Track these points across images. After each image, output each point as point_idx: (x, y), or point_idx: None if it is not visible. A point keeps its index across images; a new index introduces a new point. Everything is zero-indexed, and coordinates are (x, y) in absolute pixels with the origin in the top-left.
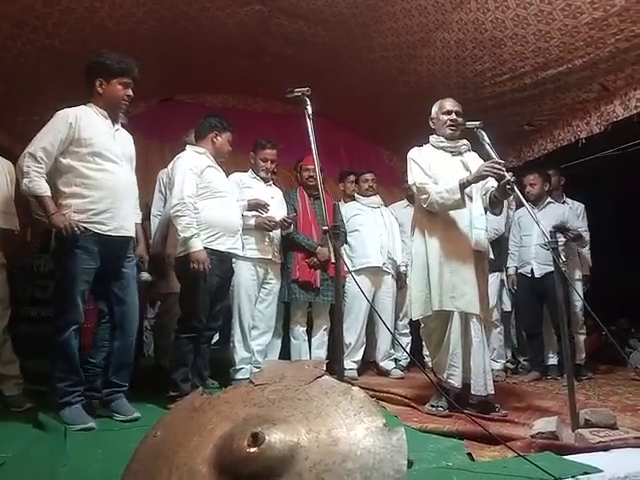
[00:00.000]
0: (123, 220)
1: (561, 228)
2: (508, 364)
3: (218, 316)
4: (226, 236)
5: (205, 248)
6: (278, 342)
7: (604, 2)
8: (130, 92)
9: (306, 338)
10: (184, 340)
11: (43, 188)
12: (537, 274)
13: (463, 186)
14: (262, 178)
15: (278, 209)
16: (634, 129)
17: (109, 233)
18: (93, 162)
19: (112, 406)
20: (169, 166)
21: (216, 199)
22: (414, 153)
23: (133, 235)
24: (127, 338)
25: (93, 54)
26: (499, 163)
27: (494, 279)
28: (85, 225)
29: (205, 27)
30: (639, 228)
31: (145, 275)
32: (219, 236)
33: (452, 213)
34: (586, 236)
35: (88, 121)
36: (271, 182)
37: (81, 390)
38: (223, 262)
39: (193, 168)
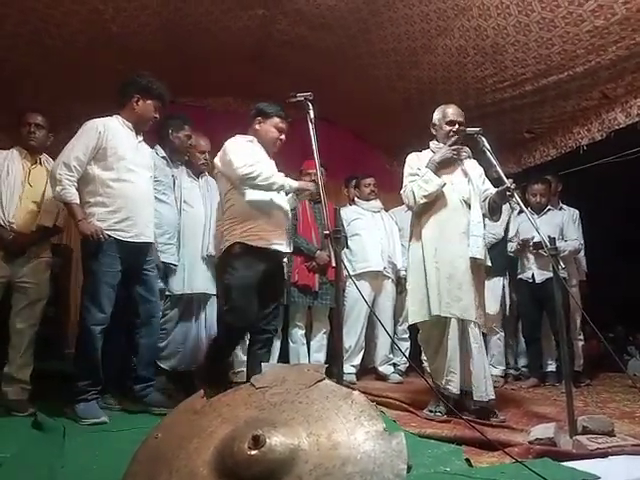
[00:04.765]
0: (143, 227)
1: (539, 245)
2: (512, 370)
3: (272, 317)
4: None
5: (247, 244)
6: (277, 344)
7: (605, 10)
8: (157, 115)
9: (304, 341)
10: (226, 343)
11: (73, 196)
12: (538, 280)
13: (436, 169)
14: None
15: None
16: (636, 136)
17: (130, 239)
18: (116, 171)
19: (147, 400)
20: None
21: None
22: (410, 159)
23: (152, 241)
24: (153, 335)
25: (132, 71)
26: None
27: (496, 283)
28: (108, 232)
29: (208, 31)
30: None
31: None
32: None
33: (448, 220)
34: (581, 242)
35: (114, 131)
36: None
37: (98, 389)
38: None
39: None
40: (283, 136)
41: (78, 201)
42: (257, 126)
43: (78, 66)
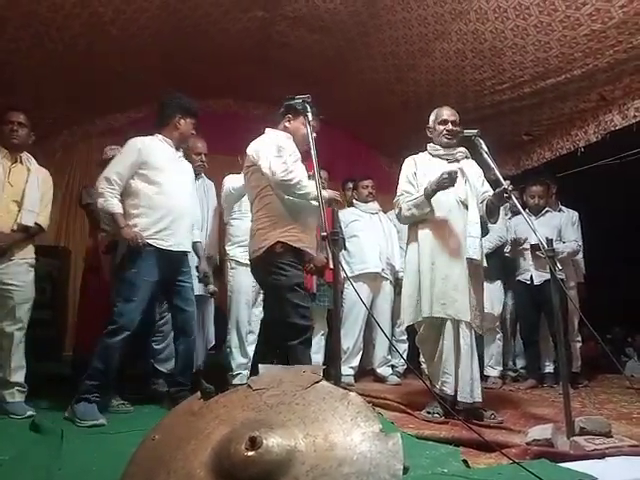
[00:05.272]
0: (181, 237)
1: (536, 247)
2: (510, 372)
3: None
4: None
5: (288, 244)
6: None
7: (602, 14)
8: (195, 132)
9: None
10: (300, 347)
11: (115, 206)
12: (536, 281)
13: (429, 197)
14: None
15: None
16: (633, 138)
17: (169, 248)
18: (157, 184)
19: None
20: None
21: None
22: (406, 164)
23: (190, 250)
24: (189, 342)
25: (169, 91)
26: (454, 172)
27: (496, 286)
28: (149, 241)
29: (208, 33)
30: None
31: (212, 287)
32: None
33: (445, 221)
34: (579, 244)
35: (154, 148)
36: None
37: (101, 392)
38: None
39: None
40: (314, 134)
41: (121, 210)
42: (287, 124)
43: (78, 69)
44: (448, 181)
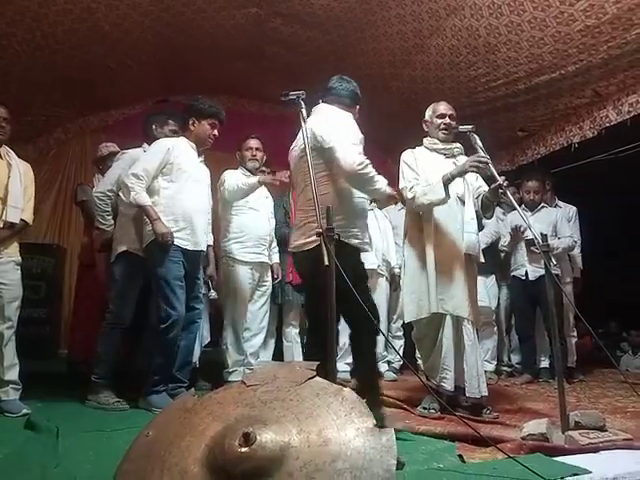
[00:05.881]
0: (198, 237)
1: (531, 242)
2: (505, 367)
3: None
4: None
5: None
6: (272, 342)
7: (596, 10)
8: (216, 132)
9: (299, 340)
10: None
11: (145, 199)
12: (531, 277)
13: (448, 181)
14: (250, 169)
15: (268, 199)
16: (632, 133)
17: (188, 247)
18: (179, 185)
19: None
20: None
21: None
22: (406, 155)
23: (205, 250)
24: (191, 339)
25: (188, 98)
26: (485, 160)
27: (492, 281)
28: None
29: (201, 29)
30: (635, 234)
31: (213, 294)
32: None
33: (443, 217)
34: (576, 239)
35: (181, 150)
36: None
37: (167, 381)
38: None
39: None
40: None
41: (150, 203)
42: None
43: (71, 65)
44: (476, 167)
